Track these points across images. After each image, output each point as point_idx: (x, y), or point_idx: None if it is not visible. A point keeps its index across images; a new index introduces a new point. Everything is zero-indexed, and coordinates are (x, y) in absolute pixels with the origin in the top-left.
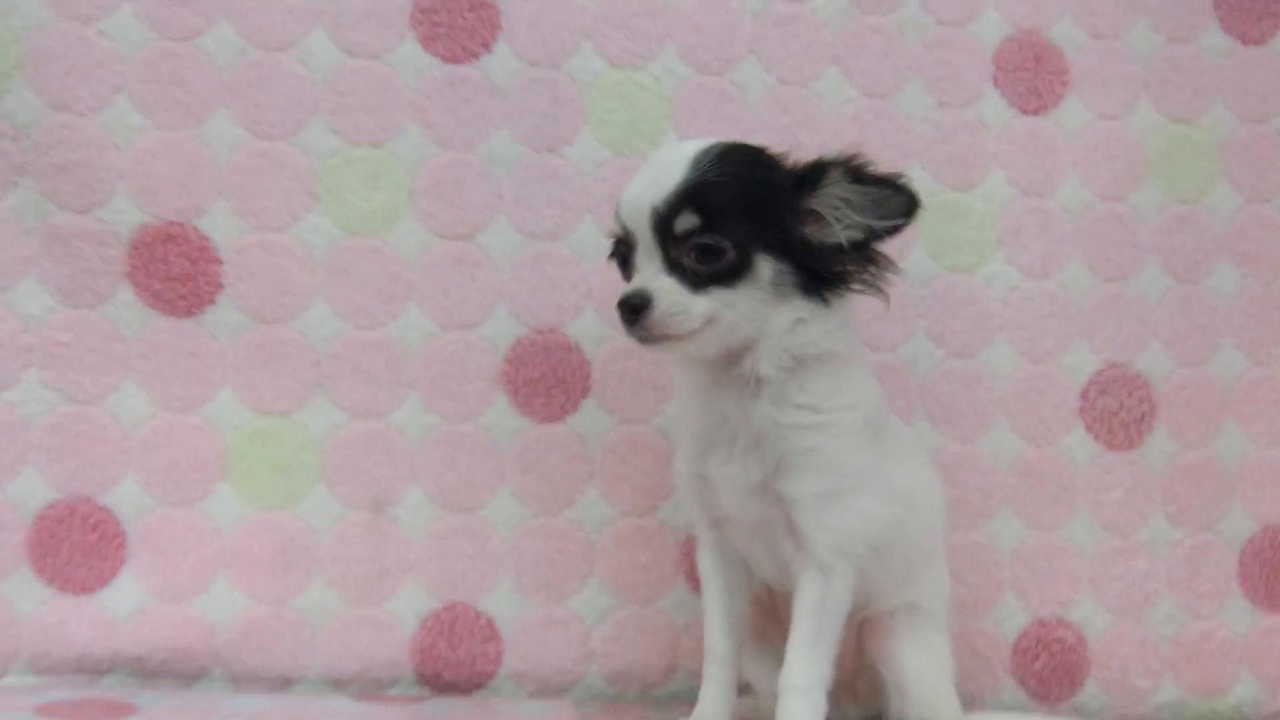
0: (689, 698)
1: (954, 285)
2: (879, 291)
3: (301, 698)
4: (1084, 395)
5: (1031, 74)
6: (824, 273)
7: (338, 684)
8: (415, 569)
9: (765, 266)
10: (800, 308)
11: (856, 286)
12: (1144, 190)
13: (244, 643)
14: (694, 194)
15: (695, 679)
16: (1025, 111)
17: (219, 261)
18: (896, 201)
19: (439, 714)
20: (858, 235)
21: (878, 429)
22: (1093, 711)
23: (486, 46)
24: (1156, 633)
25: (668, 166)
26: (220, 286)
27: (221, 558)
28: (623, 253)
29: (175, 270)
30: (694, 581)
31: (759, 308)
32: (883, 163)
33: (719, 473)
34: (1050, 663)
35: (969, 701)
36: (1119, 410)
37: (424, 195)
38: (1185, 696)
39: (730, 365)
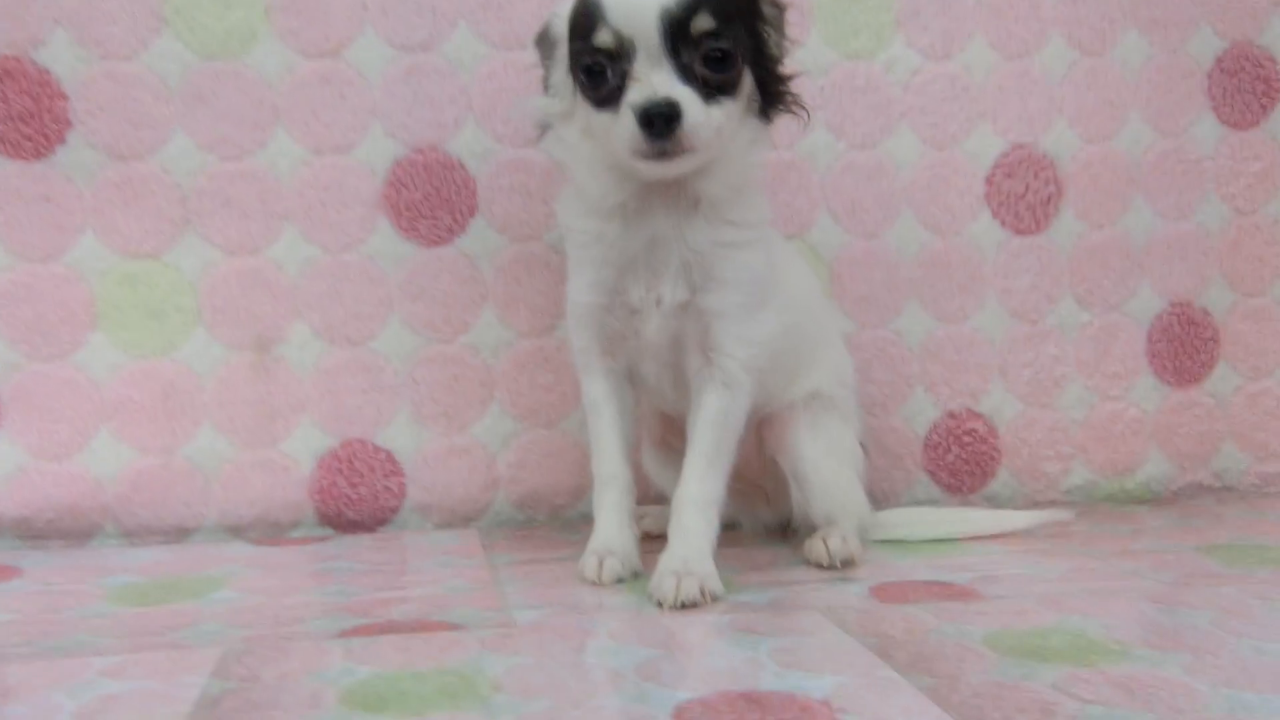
0: None
1: (852, 73)
2: (804, 110)
3: (199, 546)
4: (989, 180)
5: None
6: (773, 90)
7: (236, 530)
8: (307, 407)
9: (747, 81)
10: (754, 127)
11: (789, 105)
12: None
13: (134, 496)
14: None
15: None
16: None
17: (64, 97)
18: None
19: (342, 552)
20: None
21: (771, 240)
22: (1004, 499)
23: None
24: (1067, 417)
25: None
26: (69, 124)
27: (101, 411)
28: (601, 63)
29: (16, 109)
30: None
31: (734, 124)
32: None
33: (643, 298)
34: (962, 454)
35: (883, 499)
36: (1025, 193)
37: (281, 10)
38: (1095, 478)
39: (670, 186)
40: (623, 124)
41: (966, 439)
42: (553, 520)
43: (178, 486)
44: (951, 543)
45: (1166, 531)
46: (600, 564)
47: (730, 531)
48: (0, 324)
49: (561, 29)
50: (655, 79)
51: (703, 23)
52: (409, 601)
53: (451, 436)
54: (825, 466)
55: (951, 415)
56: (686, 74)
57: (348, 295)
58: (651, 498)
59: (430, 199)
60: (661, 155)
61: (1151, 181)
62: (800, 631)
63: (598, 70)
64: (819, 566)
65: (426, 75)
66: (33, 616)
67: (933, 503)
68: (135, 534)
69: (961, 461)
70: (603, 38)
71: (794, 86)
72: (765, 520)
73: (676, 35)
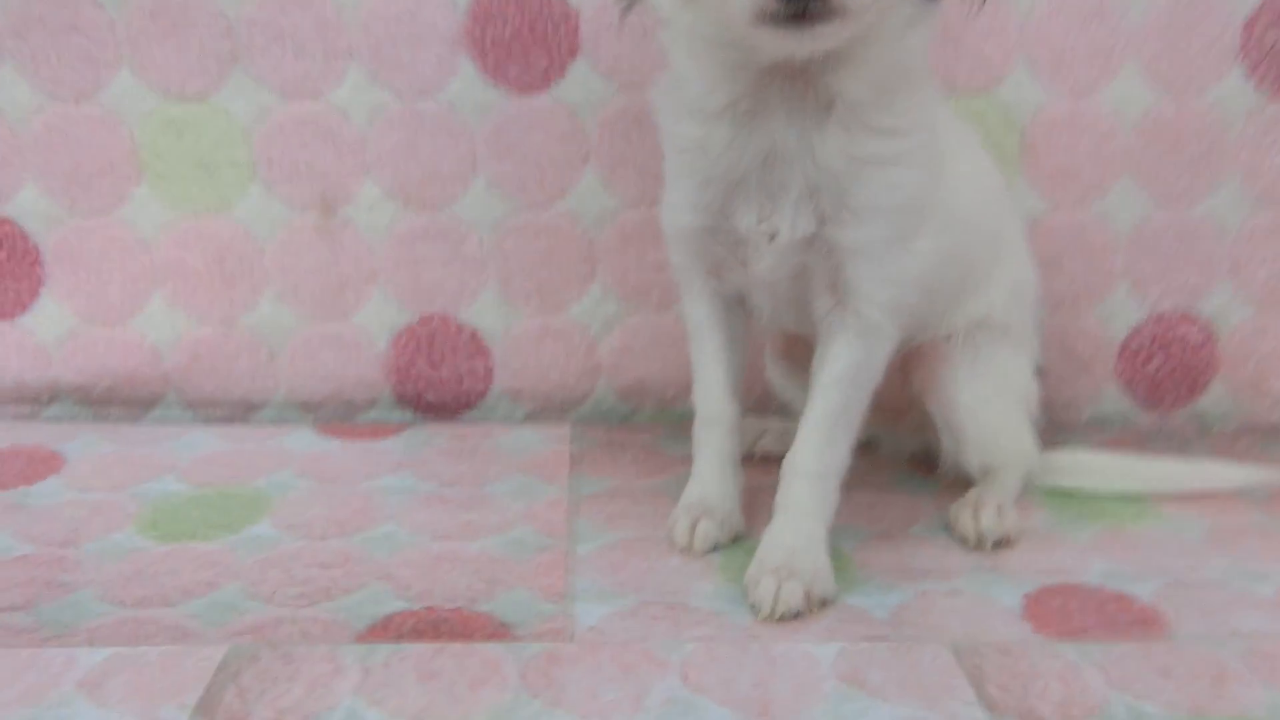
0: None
1: None
2: None
3: (262, 430)
4: (1248, 26)
5: None
6: None
7: (308, 407)
8: (380, 278)
9: None
10: (913, 2)
11: None
12: None
13: (195, 366)
14: None
15: None
16: None
17: None
18: None
19: (411, 457)
20: None
21: (932, 141)
22: (1213, 418)
23: None
24: None
25: None
26: None
27: (152, 273)
28: None
29: None
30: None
31: None
32: None
33: (755, 229)
34: (1167, 363)
35: (1062, 410)
36: None
37: None
38: None
39: (795, 81)
40: None
41: (1175, 346)
42: (660, 416)
43: (241, 359)
44: (1138, 503)
45: None
46: (693, 527)
47: (866, 456)
48: (37, 172)
49: None
50: None
51: None
52: (463, 564)
53: (546, 316)
54: (986, 414)
55: (1160, 318)
56: None
57: (424, 150)
58: (775, 409)
59: (523, 35)
60: (798, 18)
61: None
62: (920, 692)
63: None
64: (962, 540)
65: None
66: (46, 555)
67: (1121, 418)
68: (199, 406)
69: (1166, 372)
70: None
71: None
72: (909, 446)
73: None
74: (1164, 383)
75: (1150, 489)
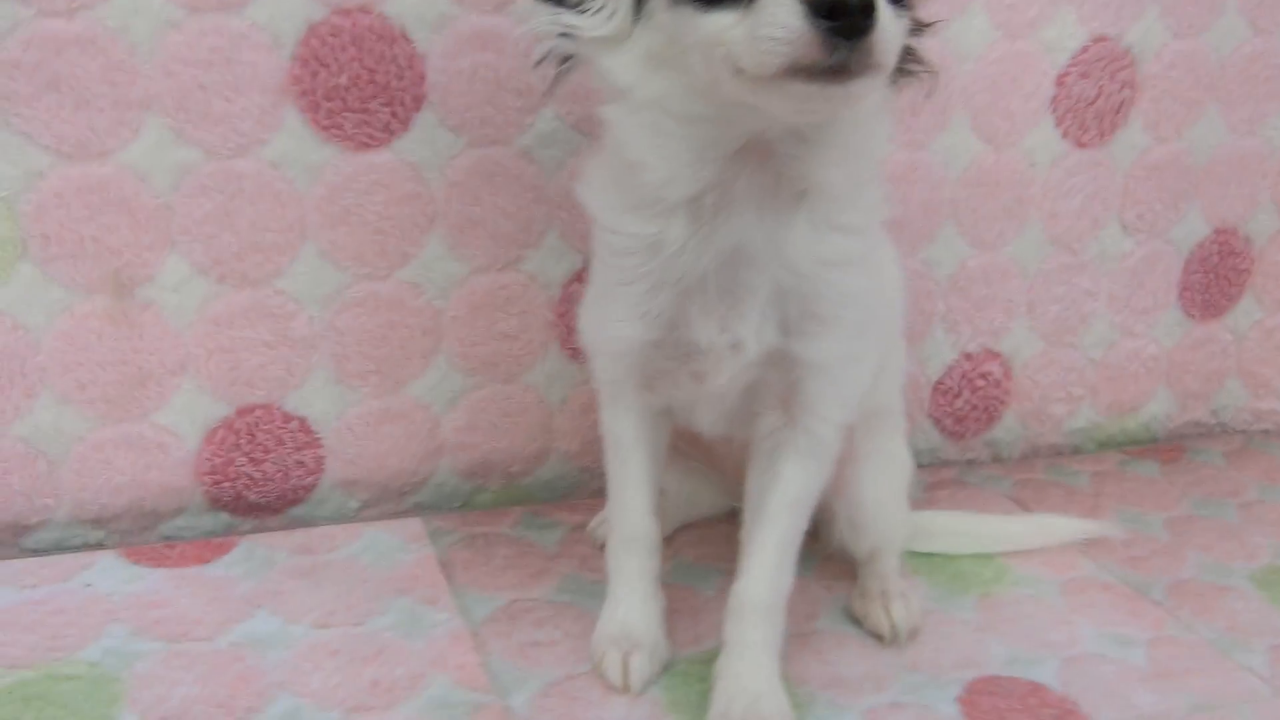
0: (561, 487)
1: None
2: (929, 71)
3: (49, 569)
4: (1061, 80)
5: None
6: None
7: (98, 522)
8: (190, 368)
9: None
10: (884, 85)
11: (912, 61)
12: None
13: None
14: None
15: (570, 462)
16: None
17: None
18: None
19: (252, 575)
20: None
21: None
22: (1004, 445)
23: None
24: (1084, 356)
25: None
26: None
27: None
28: None
29: None
30: (568, 348)
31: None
32: None
33: (716, 339)
34: (972, 399)
35: None
36: (1096, 98)
37: None
38: (1099, 420)
39: (764, 170)
40: (774, 18)
41: (980, 382)
42: (505, 493)
43: (11, 476)
44: (989, 562)
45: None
46: (625, 663)
47: (731, 527)
48: None
49: None
50: None
51: None
52: None
53: (384, 397)
54: (884, 505)
55: (968, 357)
56: None
57: (243, 217)
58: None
59: (360, 83)
60: (837, 72)
61: (1232, 88)
62: None
63: None
64: (876, 636)
65: None
66: None
67: (930, 451)
68: None
69: (970, 407)
70: None
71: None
72: None
73: None
74: (967, 416)
75: (998, 549)
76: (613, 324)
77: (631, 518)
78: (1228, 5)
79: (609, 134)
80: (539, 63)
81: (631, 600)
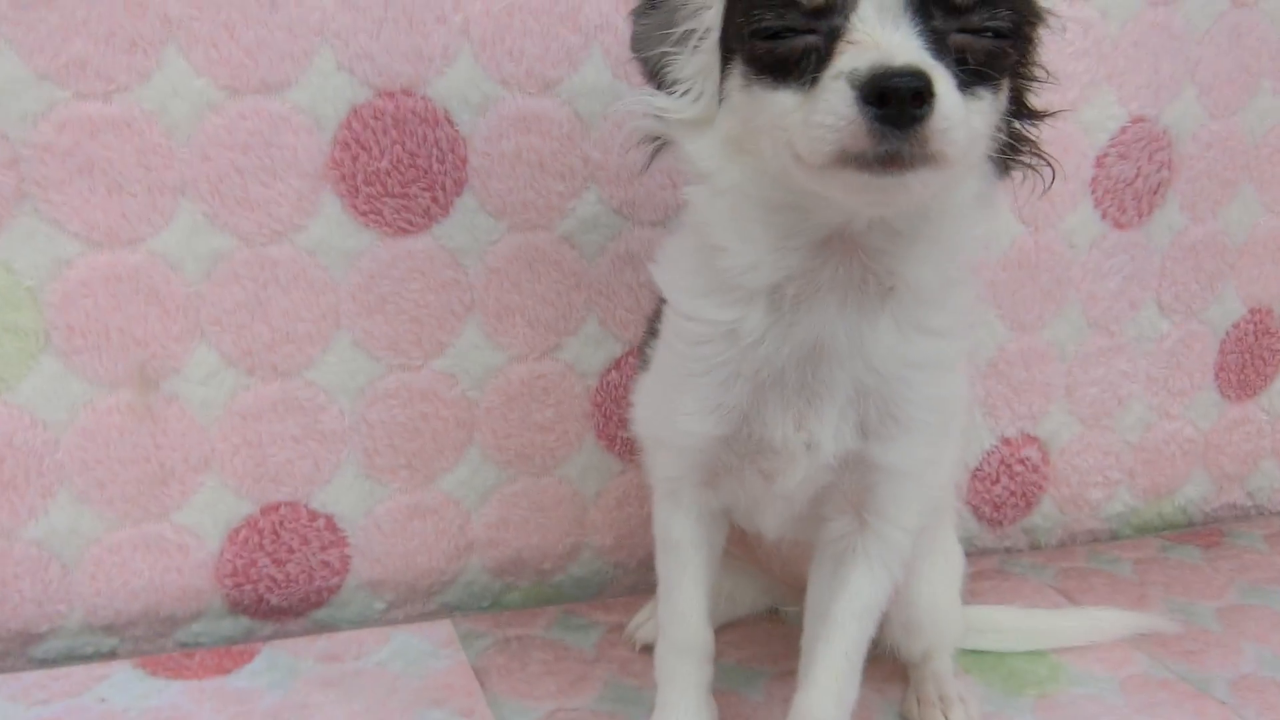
0: (594, 584)
1: None
2: (1049, 164)
3: (60, 683)
4: (1100, 161)
5: None
6: (1016, 131)
7: (111, 630)
8: (214, 465)
9: (1002, 93)
10: (984, 177)
11: (1030, 154)
12: None
13: None
14: None
15: (603, 558)
16: None
17: None
18: None
19: (277, 687)
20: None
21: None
22: (1041, 531)
23: None
24: (1121, 439)
25: None
26: None
27: None
28: (790, 14)
29: None
30: (605, 438)
31: (982, 142)
32: None
33: (792, 438)
34: (1010, 485)
35: None
36: (1135, 178)
37: None
38: (1135, 504)
39: (850, 261)
40: (827, 104)
41: (1018, 468)
42: (535, 591)
43: (23, 581)
44: (1042, 659)
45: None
46: None
47: (776, 628)
48: None
49: None
50: (889, 39)
51: None
52: None
53: (414, 493)
54: (939, 606)
55: (1006, 442)
56: (937, 44)
57: (275, 306)
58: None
59: (401, 166)
60: (889, 162)
61: (1266, 167)
62: None
63: (783, 26)
64: None
65: None
66: None
67: (967, 540)
68: None
69: (1008, 493)
70: None
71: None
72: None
73: None
74: (1005, 503)
75: (1049, 645)
76: (681, 417)
77: (686, 625)
78: (1263, 85)
79: (690, 215)
80: (635, 145)
81: (683, 711)
